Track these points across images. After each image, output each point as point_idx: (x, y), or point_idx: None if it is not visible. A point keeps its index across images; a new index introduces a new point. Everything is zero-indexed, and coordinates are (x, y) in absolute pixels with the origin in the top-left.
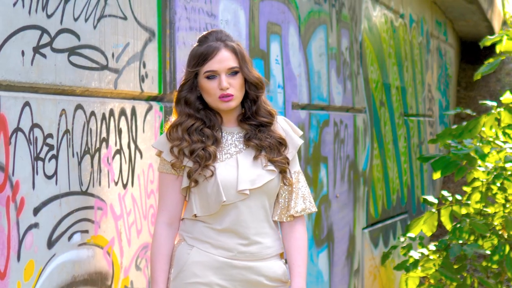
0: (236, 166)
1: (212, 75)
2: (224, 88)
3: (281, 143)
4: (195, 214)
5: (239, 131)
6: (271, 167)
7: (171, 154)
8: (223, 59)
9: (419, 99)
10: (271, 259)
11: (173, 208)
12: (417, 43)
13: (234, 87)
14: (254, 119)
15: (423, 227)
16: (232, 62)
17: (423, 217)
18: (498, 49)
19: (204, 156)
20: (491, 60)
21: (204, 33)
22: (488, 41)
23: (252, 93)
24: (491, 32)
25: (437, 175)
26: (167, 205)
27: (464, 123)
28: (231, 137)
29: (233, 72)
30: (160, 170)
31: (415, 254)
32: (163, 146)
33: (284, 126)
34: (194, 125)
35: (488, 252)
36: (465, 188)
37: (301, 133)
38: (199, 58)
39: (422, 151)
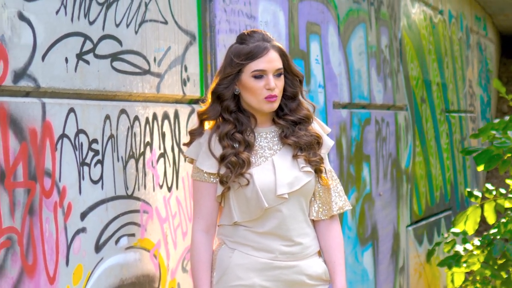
0: (272, 169)
1: (260, 75)
2: (272, 88)
3: (318, 142)
4: (235, 222)
5: (273, 130)
6: (308, 168)
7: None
8: (272, 60)
9: (460, 95)
10: (311, 257)
11: (209, 215)
12: (456, 38)
13: (279, 88)
14: (292, 115)
15: (467, 223)
16: (279, 64)
17: (466, 212)
18: None
19: (238, 163)
20: None
21: (245, 31)
22: None
23: (291, 89)
24: None
25: (480, 168)
26: (202, 212)
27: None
28: (265, 138)
29: (278, 74)
30: (193, 178)
31: (460, 249)
32: (195, 154)
33: (316, 126)
34: (225, 129)
35: None
36: (508, 181)
37: (329, 130)
38: (248, 55)
39: (464, 147)
